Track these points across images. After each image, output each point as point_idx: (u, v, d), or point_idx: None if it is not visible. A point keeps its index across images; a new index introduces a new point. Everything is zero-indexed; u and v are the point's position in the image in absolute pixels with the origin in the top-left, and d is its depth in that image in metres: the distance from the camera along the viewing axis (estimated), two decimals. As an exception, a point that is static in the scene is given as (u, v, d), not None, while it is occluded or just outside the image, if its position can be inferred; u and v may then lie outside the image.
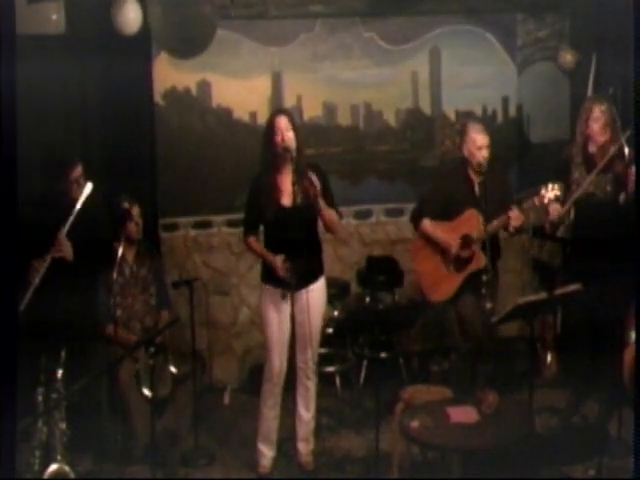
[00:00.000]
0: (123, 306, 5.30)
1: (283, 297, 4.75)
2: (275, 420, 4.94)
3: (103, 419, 5.01)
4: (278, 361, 4.85)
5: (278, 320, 4.81)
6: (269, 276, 4.81)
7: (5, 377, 3.21)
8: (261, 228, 4.89)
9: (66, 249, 4.60)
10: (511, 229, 5.16)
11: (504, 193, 5.29)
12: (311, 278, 4.80)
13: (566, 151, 5.41)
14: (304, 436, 4.92)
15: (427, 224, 5.35)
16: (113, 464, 4.92)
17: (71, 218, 4.57)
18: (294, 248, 4.67)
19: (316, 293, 4.82)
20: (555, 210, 5.19)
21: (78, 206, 4.58)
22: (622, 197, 5.09)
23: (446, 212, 5.31)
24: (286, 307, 4.75)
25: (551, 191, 4.95)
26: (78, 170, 4.78)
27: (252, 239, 4.87)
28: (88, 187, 4.63)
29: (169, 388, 5.19)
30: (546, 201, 4.97)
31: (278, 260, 4.69)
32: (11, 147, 3.24)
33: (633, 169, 4.92)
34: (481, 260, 5.11)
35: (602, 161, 5.10)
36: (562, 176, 5.12)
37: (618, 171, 5.12)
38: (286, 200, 4.76)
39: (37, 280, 4.48)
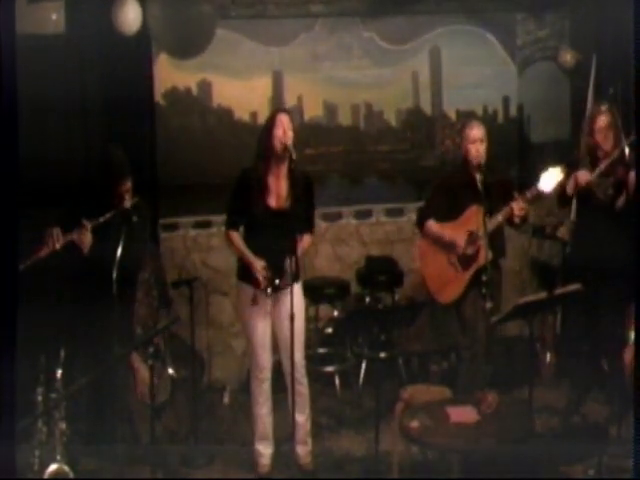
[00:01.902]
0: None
1: (254, 302, 4.75)
2: (269, 417, 4.94)
3: (104, 419, 5.01)
4: (262, 357, 4.85)
5: (258, 319, 4.81)
6: (245, 275, 4.80)
7: (5, 377, 3.21)
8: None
9: (86, 241, 4.72)
10: (516, 219, 5.14)
11: (506, 189, 5.29)
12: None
13: (575, 147, 5.46)
14: (301, 439, 4.91)
15: (432, 224, 5.32)
16: (113, 464, 4.92)
17: (104, 217, 4.74)
18: (273, 250, 4.66)
19: (294, 297, 4.70)
20: (584, 175, 5.18)
21: (111, 213, 4.76)
22: (621, 200, 5.11)
23: (450, 212, 5.30)
24: (263, 306, 4.77)
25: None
26: (127, 185, 4.90)
27: (234, 233, 4.84)
28: (133, 201, 4.84)
29: (168, 392, 5.19)
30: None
31: (258, 264, 4.69)
32: (12, 143, 3.25)
33: (632, 173, 4.94)
34: (486, 257, 5.09)
35: (604, 164, 5.14)
36: (569, 167, 5.14)
37: (619, 175, 5.15)
38: (274, 201, 4.75)
39: (47, 251, 4.62)
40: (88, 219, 4.74)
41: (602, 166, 5.18)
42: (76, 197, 5.06)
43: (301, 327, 4.84)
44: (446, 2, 6.64)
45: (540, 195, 5.10)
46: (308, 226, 4.87)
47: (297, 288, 4.78)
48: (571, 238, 5.55)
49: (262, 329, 4.83)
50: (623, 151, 5.11)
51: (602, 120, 5.24)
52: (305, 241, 4.85)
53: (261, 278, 4.68)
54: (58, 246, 4.65)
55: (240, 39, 6.42)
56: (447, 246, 5.24)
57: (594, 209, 5.27)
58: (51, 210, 5.02)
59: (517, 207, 5.07)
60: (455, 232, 5.24)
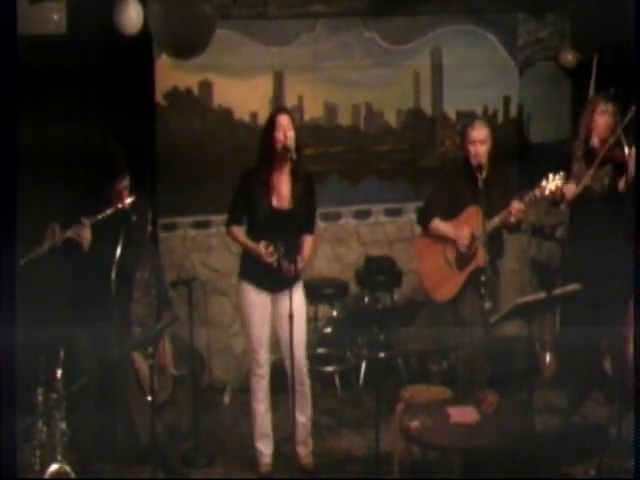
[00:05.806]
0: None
1: (262, 301, 4.78)
2: (267, 414, 4.94)
3: (103, 419, 5.01)
4: (261, 354, 4.86)
5: (258, 316, 4.83)
6: (247, 273, 4.80)
7: (5, 377, 3.21)
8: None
9: (85, 237, 4.72)
10: (512, 219, 5.13)
11: (506, 191, 5.30)
12: (289, 282, 4.70)
13: (568, 145, 5.44)
14: (302, 439, 4.93)
15: (438, 222, 5.33)
16: (113, 464, 4.92)
17: (103, 214, 4.73)
18: (276, 248, 4.67)
19: (295, 297, 4.70)
20: (570, 189, 5.18)
21: (111, 210, 4.74)
22: (621, 184, 5.11)
23: (450, 211, 5.31)
24: (266, 304, 4.80)
25: (552, 182, 4.96)
26: (125, 182, 4.89)
27: (236, 228, 4.85)
28: (131, 199, 4.80)
29: (170, 390, 5.19)
30: (547, 192, 4.98)
31: (262, 247, 4.65)
32: (11, 142, 3.25)
33: (633, 153, 4.93)
34: (483, 258, 5.10)
35: (602, 152, 5.13)
36: (563, 169, 5.14)
37: (617, 159, 5.14)
38: (278, 201, 4.75)
39: (46, 246, 4.62)
40: (87, 217, 4.75)
41: (597, 161, 5.16)
42: (75, 195, 5.06)
43: (302, 327, 4.85)
44: (447, 2, 6.64)
45: (538, 199, 5.11)
46: (308, 227, 4.88)
47: (297, 288, 4.80)
48: (568, 237, 5.56)
49: (261, 326, 4.84)
50: (620, 135, 5.09)
51: (605, 104, 5.24)
52: (307, 242, 4.86)
53: (268, 258, 4.63)
54: (58, 242, 4.66)
55: (241, 39, 6.41)
56: (450, 242, 5.26)
57: (590, 203, 5.25)
58: (50, 208, 5.03)
59: (515, 210, 5.07)
60: (459, 230, 5.24)
